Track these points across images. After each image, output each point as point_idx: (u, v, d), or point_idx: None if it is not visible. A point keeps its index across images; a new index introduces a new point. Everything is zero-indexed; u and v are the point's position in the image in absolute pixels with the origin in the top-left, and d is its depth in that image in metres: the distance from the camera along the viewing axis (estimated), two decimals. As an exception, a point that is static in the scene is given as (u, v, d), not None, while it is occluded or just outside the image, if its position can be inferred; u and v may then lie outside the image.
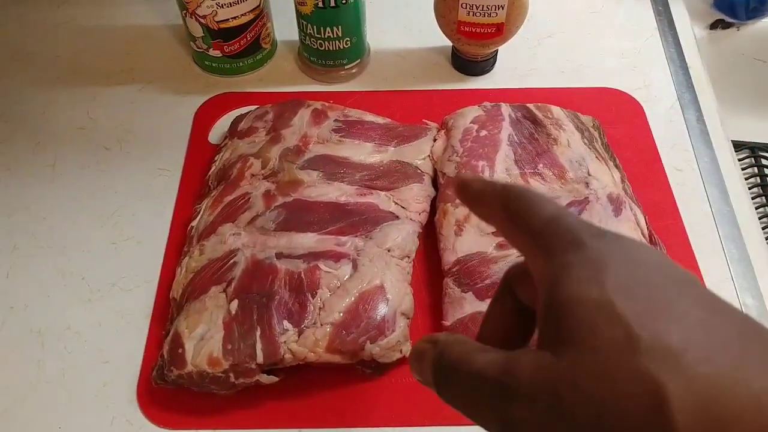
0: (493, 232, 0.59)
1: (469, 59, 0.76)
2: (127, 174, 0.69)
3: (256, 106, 0.70)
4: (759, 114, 0.98)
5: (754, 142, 0.95)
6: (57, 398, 0.55)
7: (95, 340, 0.58)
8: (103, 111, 0.74)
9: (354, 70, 0.77)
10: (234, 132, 0.67)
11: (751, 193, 0.91)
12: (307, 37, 0.73)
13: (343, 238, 0.57)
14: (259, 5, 0.72)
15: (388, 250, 0.57)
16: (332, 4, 0.68)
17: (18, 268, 0.62)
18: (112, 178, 0.68)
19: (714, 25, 0.92)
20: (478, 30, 0.71)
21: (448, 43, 0.76)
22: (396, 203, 0.61)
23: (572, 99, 0.74)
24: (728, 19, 0.92)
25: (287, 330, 0.51)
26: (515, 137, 0.65)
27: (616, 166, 0.65)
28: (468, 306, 0.55)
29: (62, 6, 0.85)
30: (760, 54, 0.94)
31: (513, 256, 0.57)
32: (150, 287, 0.60)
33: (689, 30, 0.83)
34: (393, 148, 0.66)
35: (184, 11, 0.71)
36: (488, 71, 0.78)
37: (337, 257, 0.56)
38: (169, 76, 0.77)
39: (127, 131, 0.72)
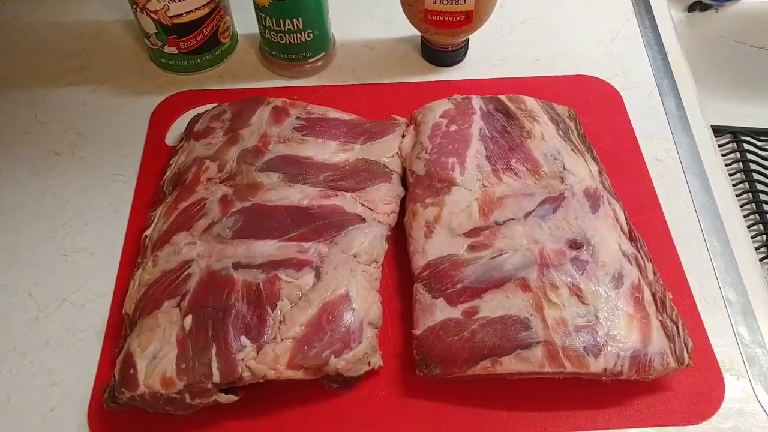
0: (465, 233, 0.56)
1: (439, 49, 0.73)
2: (79, 181, 0.65)
3: (214, 105, 0.66)
4: (740, 98, 0.95)
5: (736, 127, 0.93)
6: (0, 425, 0.51)
7: (43, 361, 0.54)
8: (52, 114, 0.70)
9: (319, 64, 0.73)
10: (190, 133, 0.63)
11: (734, 180, 0.89)
12: (267, 31, 0.69)
13: (306, 245, 0.54)
14: (215, -3, 0.68)
15: (354, 256, 0.54)
16: (291, -6, 0.65)
17: (-40, 285, 0.58)
18: (62, 186, 0.64)
19: (692, 8, 0.89)
20: (446, 18, 0.68)
21: (418, 32, 0.73)
22: (363, 205, 0.58)
23: (547, 87, 0.71)
24: (706, 1, 0.89)
25: (245, 346, 0.48)
26: (487, 131, 0.62)
27: (593, 159, 0.62)
28: (439, 313, 0.52)
29: (7, 3, 0.80)
30: (740, 36, 0.91)
31: (485, 258, 0.54)
32: (104, 302, 0.57)
33: (666, 13, 0.80)
34: (359, 146, 0.62)
35: (134, 6, 0.67)
36: (459, 61, 0.75)
37: (298, 266, 0.52)
38: (123, 75, 0.73)
39: (78, 135, 0.68)
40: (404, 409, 0.52)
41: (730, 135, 0.92)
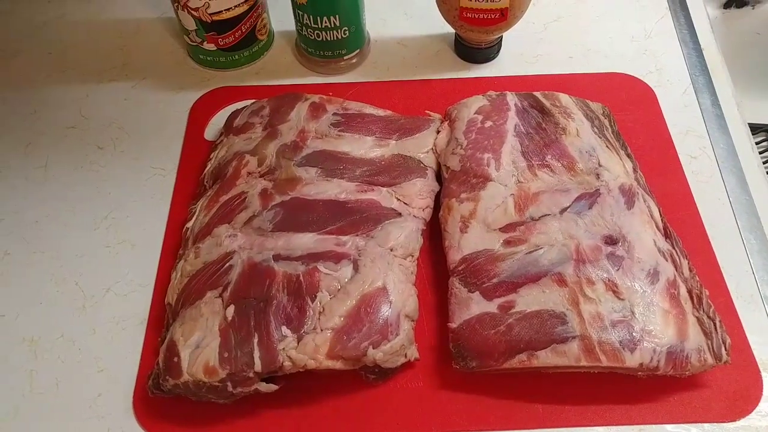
0: (500, 228, 0.56)
1: (473, 46, 0.73)
2: (121, 174, 0.67)
3: (252, 101, 0.67)
4: (777, 96, 0.94)
5: (771, 125, 0.92)
6: (50, 409, 0.53)
7: (90, 348, 0.56)
8: (95, 109, 0.72)
9: (353, 61, 0.74)
10: (229, 128, 0.65)
11: (769, 179, 0.88)
12: (304, 28, 0.70)
13: (344, 238, 0.55)
14: (254, -5, 0.70)
15: (391, 250, 0.55)
16: (328, -8, 0.66)
17: (9, 275, 0.60)
18: (105, 179, 0.66)
19: (728, 4, 0.89)
20: (481, 16, 0.68)
21: (451, 30, 0.73)
22: (398, 199, 0.59)
23: (581, 85, 0.71)
24: (743, -2, 0.88)
25: (286, 336, 0.49)
26: (522, 127, 0.62)
27: (628, 156, 0.62)
28: (475, 307, 0.52)
29: (52, 1, 0.82)
30: (777, 33, 0.91)
31: (521, 253, 0.54)
32: (146, 292, 0.58)
33: (702, 10, 0.80)
34: (395, 142, 0.63)
35: (176, 4, 0.69)
36: (493, 58, 0.75)
37: (337, 258, 0.53)
38: (163, 72, 0.75)
39: (120, 129, 0.70)
40: (439, 401, 0.52)
41: (765, 133, 0.91)
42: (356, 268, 0.53)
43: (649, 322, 0.50)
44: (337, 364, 0.49)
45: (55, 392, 0.54)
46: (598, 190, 0.57)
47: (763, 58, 0.92)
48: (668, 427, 0.51)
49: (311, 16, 0.68)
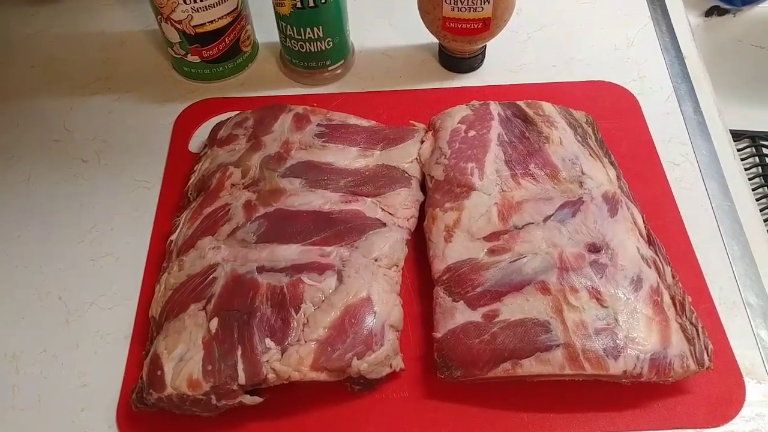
0: (484, 237, 0.56)
1: (457, 56, 0.74)
2: (105, 187, 0.66)
3: (237, 112, 0.67)
4: (759, 102, 0.95)
5: (754, 131, 0.93)
6: (32, 425, 0.52)
7: (73, 363, 0.55)
8: (79, 122, 0.72)
9: (338, 71, 0.74)
10: (213, 140, 0.65)
11: (752, 184, 0.89)
12: (288, 39, 0.70)
13: (328, 249, 0.55)
14: (237, 8, 0.70)
15: (375, 260, 0.55)
16: (311, 3, 0.66)
17: (-9, 289, 0.60)
18: (89, 192, 0.66)
19: (709, 12, 0.90)
20: (464, 26, 0.68)
21: (436, 40, 0.74)
22: (383, 209, 0.59)
23: (564, 93, 0.72)
24: (724, 6, 0.89)
25: (270, 348, 0.49)
26: (505, 136, 0.63)
27: (611, 163, 0.62)
28: (459, 316, 0.52)
29: (35, 15, 0.82)
30: (758, 40, 0.92)
31: (505, 261, 0.54)
32: (130, 305, 0.58)
33: (684, 18, 0.81)
34: (379, 152, 0.63)
35: (159, 17, 0.69)
36: (477, 68, 0.75)
37: (321, 269, 0.53)
38: (147, 84, 0.75)
39: (104, 142, 0.70)
40: (425, 411, 0.52)
41: (748, 139, 0.92)
42: (340, 279, 0.53)
43: (633, 330, 0.50)
44: (322, 376, 0.49)
45: (37, 408, 0.53)
46: (581, 198, 0.58)
47: (744, 65, 0.93)
48: (653, 433, 0.51)
49: (295, 28, 0.68)
